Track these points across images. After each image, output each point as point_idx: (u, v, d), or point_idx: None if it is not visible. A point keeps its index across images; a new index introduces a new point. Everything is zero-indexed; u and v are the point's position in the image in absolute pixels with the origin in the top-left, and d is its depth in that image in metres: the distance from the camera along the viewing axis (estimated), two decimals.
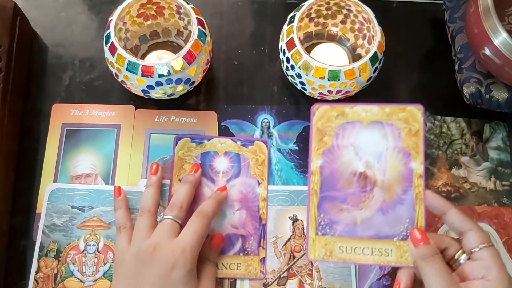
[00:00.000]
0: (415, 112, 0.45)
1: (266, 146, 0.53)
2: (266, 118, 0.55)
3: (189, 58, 0.48)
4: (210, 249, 0.47)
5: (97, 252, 0.49)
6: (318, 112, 0.46)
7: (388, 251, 0.43)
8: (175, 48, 0.57)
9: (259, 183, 0.52)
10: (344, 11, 0.55)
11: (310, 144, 0.46)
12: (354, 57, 0.56)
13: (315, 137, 0.46)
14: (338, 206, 0.45)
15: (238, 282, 0.48)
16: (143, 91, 0.50)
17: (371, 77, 0.50)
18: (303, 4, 0.52)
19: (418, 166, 0.44)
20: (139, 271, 0.42)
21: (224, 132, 0.54)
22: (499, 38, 0.47)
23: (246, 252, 0.49)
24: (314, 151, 0.46)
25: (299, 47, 0.49)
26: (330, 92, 0.50)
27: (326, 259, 0.44)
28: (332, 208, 0.45)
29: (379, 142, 0.45)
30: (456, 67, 0.56)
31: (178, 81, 0.49)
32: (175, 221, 0.45)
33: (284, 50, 0.51)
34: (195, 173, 0.50)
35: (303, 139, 0.54)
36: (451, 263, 0.41)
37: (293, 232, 0.51)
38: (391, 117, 0.45)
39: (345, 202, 0.45)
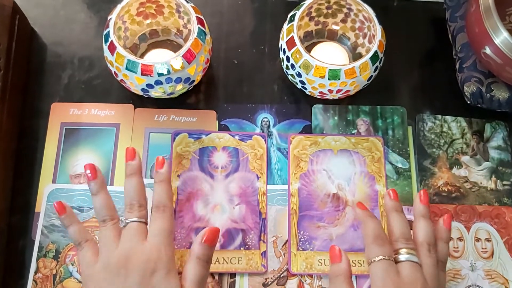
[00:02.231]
0: (376, 142, 0.53)
1: (265, 141, 0.53)
2: (266, 117, 0.55)
3: (189, 57, 0.48)
4: (202, 246, 0.40)
5: None
6: (294, 140, 0.53)
7: (361, 262, 0.49)
8: (174, 47, 0.56)
9: (258, 178, 0.52)
10: (345, 10, 0.55)
11: (289, 169, 0.52)
12: (355, 56, 0.56)
13: (293, 163, 0.52)
14: (316, 224, 0.50)
15: (237, 281, 0.48)
16: (142, 90, 0.50)
17: (371, 76, 0.50)
18: (303, 2, 0.52)
19: (382, 188, 0.51)
20: (115, 283, 0.38)
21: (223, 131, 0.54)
22: (500, 37, 0.46)
23: (247, 246, 0.49)
24: (292, 175, 0.52)
25: (299, 46, 0.49)
26: (330, 91, 0.50)
27: (307, 271, 0.48)
28: (310, 225, 0.50)
29: (348, 167, 0.52)
30: (457, 66, 0.56)
31: (178, 80, 0.49)
32: (140, 222, 0.41)
33: (284, 49, 0.51)
34: (161, 169, 0.44)
35: None
36: None
37: None
38: (357, 146, 0.53)
39: (321, 220, 0.50)
